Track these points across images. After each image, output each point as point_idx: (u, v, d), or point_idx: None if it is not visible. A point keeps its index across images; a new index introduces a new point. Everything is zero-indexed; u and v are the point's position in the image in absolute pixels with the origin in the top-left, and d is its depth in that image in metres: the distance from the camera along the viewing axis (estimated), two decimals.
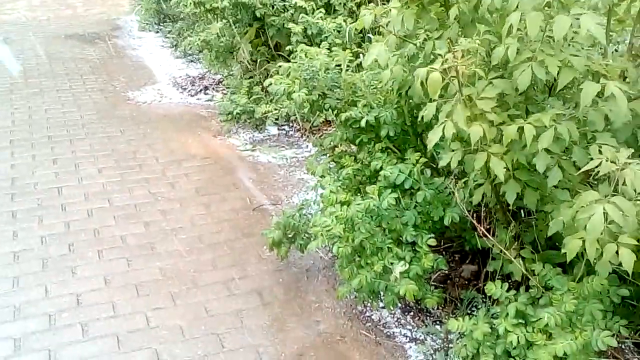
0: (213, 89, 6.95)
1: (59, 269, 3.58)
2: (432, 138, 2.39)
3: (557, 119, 2.24)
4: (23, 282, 3.45)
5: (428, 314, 3.17)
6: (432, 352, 2.91)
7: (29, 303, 3.27)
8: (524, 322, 2.46)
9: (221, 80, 7.05)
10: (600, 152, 2.09)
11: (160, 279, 3.50)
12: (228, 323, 3.14)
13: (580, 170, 2.22)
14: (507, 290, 2.56)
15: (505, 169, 2.31)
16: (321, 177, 3.44)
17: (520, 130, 2.21)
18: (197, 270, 3.59)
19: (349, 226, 2.84)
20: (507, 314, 2.48)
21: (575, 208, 2.07)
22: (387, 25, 2.83)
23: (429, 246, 2.81)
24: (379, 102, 3.30)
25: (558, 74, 2.18)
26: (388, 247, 2.84)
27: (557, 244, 2.68)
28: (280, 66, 3.65)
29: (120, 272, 3.57)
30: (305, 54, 3.53)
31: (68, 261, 3.66)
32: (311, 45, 3.87)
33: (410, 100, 3.07)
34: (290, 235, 3.49)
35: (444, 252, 3.32)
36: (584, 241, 2.05)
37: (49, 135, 5.56)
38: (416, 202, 2.90)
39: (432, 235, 2.84)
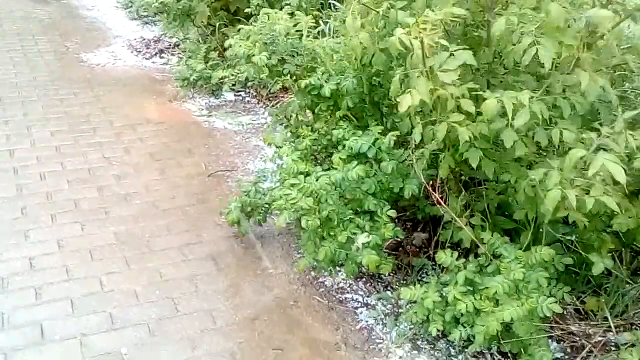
0: (169, 52, 6.68)
1: (12, 233, 3.39)
2: (403, 102, 2.27)
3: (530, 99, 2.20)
4: None
5: (380, 280, 3.14)
6: (382, 317, 2.88)
7: None
8: (472, 289, 2.45)
9: (177, 44, 6.77)
10: (561, 134, 2.08)
11: (115, 244, 3.35)
12: (183, 288, 3.04)
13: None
14: (457, 259, 2.54)
15: (468, 136, 2.27)
16: (279, 147, 3.33)
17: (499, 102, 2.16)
18: (152, 236, 3.45)
19: (315, 199, 2.75)
20: (457, 282, 2.46)
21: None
22: None
23: (389, 217, 2.76)
24: (337, 70, 3.19)
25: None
26: (350, 218, 2.77)
27: (506, 212, 2.69)
28: (240, 29, 3.49)
29: (74, 236, 3.39)
30: (268, 17, 3.37)
31: (21, 225, 3.46)
32: (272, 8, 3.69)
33: (370, 69, 2.97)
34: (248, 211, 3.39)
35: (397, 220, 3.28)
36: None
37: (0, 97, 5.23)
38: (377, 172, 2.82)
39: (390, 205, 2.79)
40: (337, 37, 3.22)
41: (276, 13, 3.36)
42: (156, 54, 6.62)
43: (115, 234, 3.44)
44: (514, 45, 2.21)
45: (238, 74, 5.26)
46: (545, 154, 2.47)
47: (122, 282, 3.05)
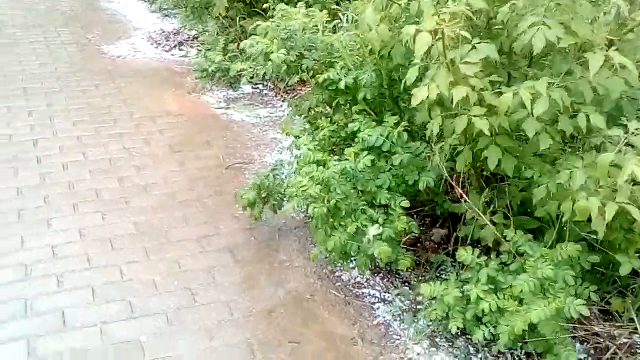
0: (188, 45, 6.66)
1: (35, 221, 3.40)
2: (418, 95, 2.24)
3: (549, 87, 2.14)
4: None
5: (397, 276, 3.10)
6: (400, 312, 2.84)
7: (5, 254, 3.11)
8: (494, 288, 2.40)
9: (196, 36, 6.75)
10: (588, 121, 2.01)
11: (135, 234, 3.35)
12: (200, 279, 3.02)
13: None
14: (478, 257, 2.49)
15: (488, 128, 2.21)
16: (297, 137, 3.30)
17: (515, 95, 2.10)
18: (170, 227, 3.44)
19: (324, 187, 2.72)
20: (479, 280, 2.41)
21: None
22: None
23: (402, 209, 2.72)
24: (356, 64, 3.15)
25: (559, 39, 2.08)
26: (362, 209, 2.73)
27: (529, 210, 2.63)
28: (257, 25, 3.45)
29: (95, 225, 3.40)
30: (283, 15, 3.34)
31: (44, 213, 3.47)
32: (288, 4, 3.66)
33: (389, 63, 2.93)
34: (264, 196, 3.36)
35: (415, 216, 3.23)
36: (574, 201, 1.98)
37: (24, 87, 5.25)
38: (392, 165, 2.79)
39: (405, 198, 2.75)
40: (354, 30, 3.16)
41: (292, 9, 3.33)
42: (175, 47, 6.61)
43: (135, 224, 3.44)
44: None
45: (256, 66, 5.22)
46: (569, 149, 2.40)
47: (142, 272, 3.04)
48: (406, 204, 2.71)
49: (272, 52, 3.16)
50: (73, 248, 3.19)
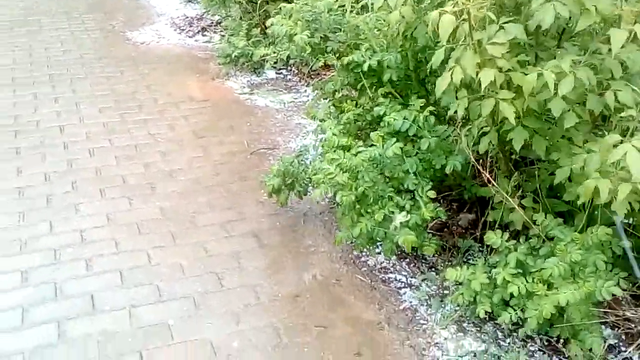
0: (211, 30, 6.67)
1: (63, 206, 3.46)
2: (441, 84, 2.23)
3: (574, 65, 2.09)
4: (28, 218, 3.34)
5: (424, 260, 3.08)
6: (427, 297, 2.83)
7: (35, 238, 3.17)
8: (522, 272, 2.37)
9: (219, 21, 6.75)
10: (616, 99, 1.96)
11: (161, 218, 3.39)
12: (226, 263, 3.04)
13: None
14: (507, 240, 2.46)
15: (514, 114, 2.17)
16: (321, 121, 3.28)
17: (538, 76, 2.06)
18: (195, 211, 3.47)
19: (352, 174, 2.71)
20: (507, 263, 2.39)
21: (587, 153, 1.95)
22: None
23: (429, 197, 2.69)
24: (382, 45, 3.11)
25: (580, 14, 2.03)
26: (389, 196, 2.72)
27: (558, 194, 2.59)
28: (281, 7, 3.43)
29: (122, 210, 3.45)
30: None
31: (71, 198, 3.53)
32: None
33: (415, 44, 2.89)
34: (289, 182, 3.36)
35: (442, 200, 3.21)
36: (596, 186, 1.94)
37: (50, 74, 5.34)
38: (418, 149, 2.76)
39: (432, 185, 2.71)
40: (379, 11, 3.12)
41: None
42: (198, 32, 6.63)
43: (161, 209, 3.48)
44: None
45: (279, 51, 5.20)
46: (600, 131, 2.35)
47: (168, 256, 3.08)
48: (432, 194, 2.68)
49: (296, 34, 3.13)
50: (101, 232, 3.24)
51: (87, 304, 2.73)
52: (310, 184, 3.30)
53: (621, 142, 1.92)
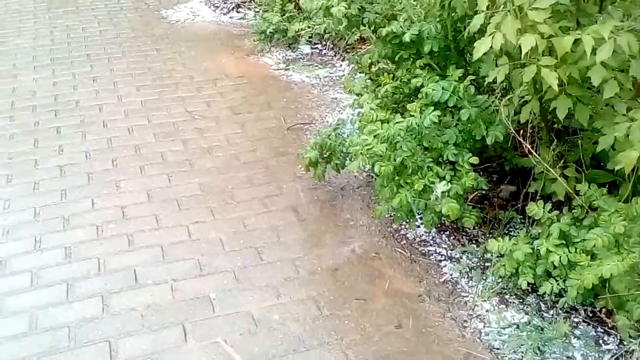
0: (245, 6, 6.70)
1: (104, 183, 3.57)
2: (480, 48, 2.21)
3: (615, 31, 2.05)
4: (70, 195, 3.46)
5: (464, 233, 3.09)
6: (467, 270, 2.85)
7: (77, 214, 3.28)
8: (565, 242, 2.36)
9: None
10: None
11: (200, 194, 3.47)
12: (265, 237, 3.11)
13: None
14: (549, 211, 2.45)
15: (557, 81, 2.14)
16: (358, 95, 3.29)
17: (577, 42, 2.03)
18: (234, 187, 3.54)
19: (390, 145, 2.72)
20: (549, 234, 2.38)
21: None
22: None
23: (470, 164, 2.69)
24: (419, 16, 3.09)
25: None
26: (428, 166, 2.73)
27: (602, 163, 2.55)
28: None
29: (162, 187, 3.54)
30: None
31: (112, 176, 3.65)
32: None
33: (454, 13, 2.87)
34: (326, 155, 3.39)
35: (482, 172, 3.19)
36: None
37: (87, 53, 5.47)
38: (458, 120, 2.76)
39: (472, 154, 2.72)
40: None
41: None
42: (233, 9, 6.66)
43: (199, 185, 3.56)
44: None
45: (314, 25, 5.21)
46: None
47: (208, 231, 3.16)
48: (474, 160, 2.69)
49: (333, 6, 3.13)
50: (141, 209, 3.34)
51: (129, 279, 2.82)
52: (347, 157, 3.33)
53: None
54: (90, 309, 2.64)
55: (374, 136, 2.70)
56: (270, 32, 5.52)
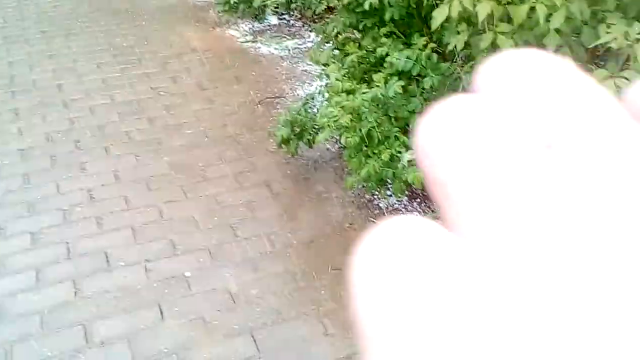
0: None
1: (68, 165, 3.51)
2: (438, 17, 2.24)
3: None
4: (34, 179, 3.40)
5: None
6: None
7: (42, 199, 3.23)
8: None
9: None
10: (608, 30, 1.98)
11: (170, 173, 3.45)
12: (239, 214, 3.13)
13: (592, 45, 2.12)
14: None
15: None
16: (325, 65, 3.29)
17: (531, 10, 2.08)
18: (205, 164, 3.53)
19: (356, 116, 2.74)
20: None
21: None
22: None
23: None
24: None
25: None
26: (395, 136, 2.77)
27: None
28: None
29: (129, 167, 3.51)
30: None
31: (76, 157, 3.59)
32: None
33: None
34: (297, 132, 3.40)
35: None
36: None
37: (43, 30, 5.33)
38: (423, 88, 2.79)
39: None
40: None
41: None
42: None
43: (169, 164, 3.54)
44: None
45: None
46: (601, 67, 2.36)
47: (180, 210, 3.15)
48: None
49: None
50: (109, 190, 3.30)
51: (101, 261, 2.81)
52: (318, 132, 3.33)
53: (611, 77, 1.94)
54: (62, 294, 2.62)
55: (341, 107, 2.72)
56: (235, 3, 5.43)
